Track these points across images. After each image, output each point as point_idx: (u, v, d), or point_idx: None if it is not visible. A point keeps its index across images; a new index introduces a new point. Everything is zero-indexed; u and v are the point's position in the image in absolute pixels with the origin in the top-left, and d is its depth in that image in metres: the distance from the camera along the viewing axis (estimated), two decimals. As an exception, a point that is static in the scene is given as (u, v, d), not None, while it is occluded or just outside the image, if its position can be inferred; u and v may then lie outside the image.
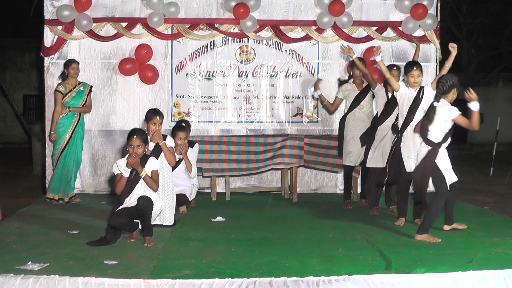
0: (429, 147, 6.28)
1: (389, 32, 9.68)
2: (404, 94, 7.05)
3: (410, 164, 6.97)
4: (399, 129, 7.11)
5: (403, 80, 7.31)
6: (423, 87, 6.99)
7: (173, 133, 7.62)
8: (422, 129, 6.39)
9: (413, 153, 6.93)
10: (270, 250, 5.72)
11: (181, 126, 7.84)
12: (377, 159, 7.72)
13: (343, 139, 8.39)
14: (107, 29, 9.40)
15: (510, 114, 26.14)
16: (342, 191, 8.79)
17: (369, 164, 7.80)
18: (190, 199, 7.98)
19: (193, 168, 8.02)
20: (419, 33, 9.61)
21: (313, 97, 9.54)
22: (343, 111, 8.58)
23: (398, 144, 7.07)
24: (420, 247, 5.88)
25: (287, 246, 5.92)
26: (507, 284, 4.64)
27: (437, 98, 6.29)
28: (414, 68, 7.00)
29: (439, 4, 9.80)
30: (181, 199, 7.31)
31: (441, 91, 6.27)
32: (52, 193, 8.42)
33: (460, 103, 6.27)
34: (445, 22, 20.30)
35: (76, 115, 8.48)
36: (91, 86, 8.79)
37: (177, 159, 7.20)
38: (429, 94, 6.87)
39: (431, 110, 6.31)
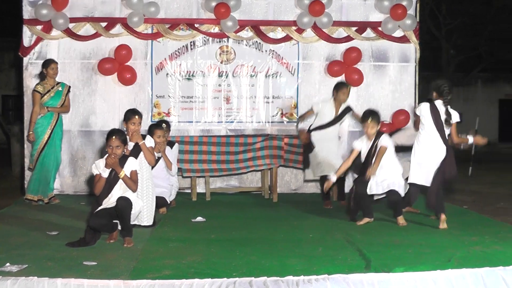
0: (446, 150, 6.97)
1: (369, 33, 9.72)
2: (361, 148, 7.24)
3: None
4: (359, 172, 7.34)
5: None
6: (381, 135, 7.11)
7: (151, 131, 7.50)
8: (442, 133, 6.98)
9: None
10: (250, 250, 5.72)
11: (158, 124, 7.83)
12: None
13: (308, 153, 8.37)
14: (87, 29, 9.35)
15: (489, 114, 26.45)
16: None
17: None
18: (169, 201, 7.95)
19: (173, 166, 7.99)
20: (398, 33, 9.67)
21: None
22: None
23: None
24: (399, 246, 5.91)
25: (267, 246, 5.92)
26: (485, 282, 4.67)
27: (448, 103, 6.94)
28: (369, 120, 7.09)
29: (418, 5, 9.87)
30: (159, 202, 7.26)
31: (448, 94, 6.90)
32: (31, 194, 8.36)
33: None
34: (425, 22, 20.42)
35: (54, 115, 8.42)
36: (70, 86, 8.73)
37: (156, 157, 7.16)
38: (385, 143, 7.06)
39: (448, 115, 6.91)
